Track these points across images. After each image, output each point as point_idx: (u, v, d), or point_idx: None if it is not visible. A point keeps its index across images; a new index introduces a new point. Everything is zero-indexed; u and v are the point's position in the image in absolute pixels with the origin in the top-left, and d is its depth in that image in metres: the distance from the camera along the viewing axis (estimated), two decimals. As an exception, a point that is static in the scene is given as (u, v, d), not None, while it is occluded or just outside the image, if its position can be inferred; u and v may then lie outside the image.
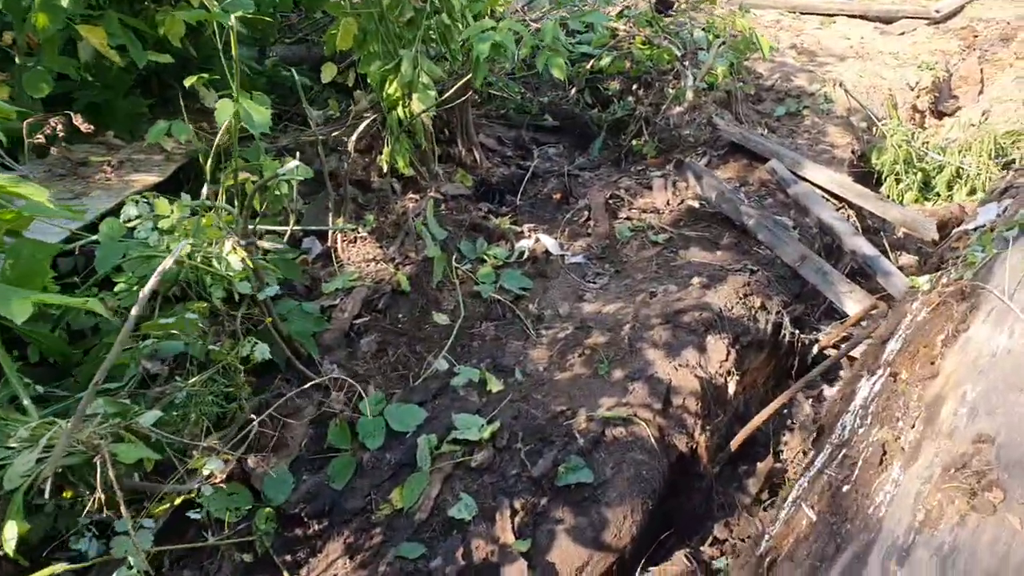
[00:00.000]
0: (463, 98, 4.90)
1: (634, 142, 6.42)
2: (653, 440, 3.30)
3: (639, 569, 3.14)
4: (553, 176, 5.89)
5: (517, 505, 2.95)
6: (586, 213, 5.14)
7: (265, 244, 2.94)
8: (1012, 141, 7.59)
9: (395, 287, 4.05)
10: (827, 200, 5.33)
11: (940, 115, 8.89)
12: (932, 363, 2.39)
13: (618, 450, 3.24)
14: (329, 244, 4.40)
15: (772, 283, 4.39)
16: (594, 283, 4.50)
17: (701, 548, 3.45)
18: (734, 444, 3.63)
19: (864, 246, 4.79)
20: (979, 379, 2.13)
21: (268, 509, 2.88)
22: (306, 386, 3.25)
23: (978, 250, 2.98)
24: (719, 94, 7.03)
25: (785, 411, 4.43)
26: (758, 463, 3.81)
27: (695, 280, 4.20)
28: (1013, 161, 7.39)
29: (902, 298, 3.29)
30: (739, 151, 6.02)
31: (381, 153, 4.74)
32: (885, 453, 2.04)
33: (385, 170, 4.60)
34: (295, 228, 4.07)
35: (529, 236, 4.87)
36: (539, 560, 2.82)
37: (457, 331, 3.99)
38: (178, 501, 2.64)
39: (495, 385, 3.61)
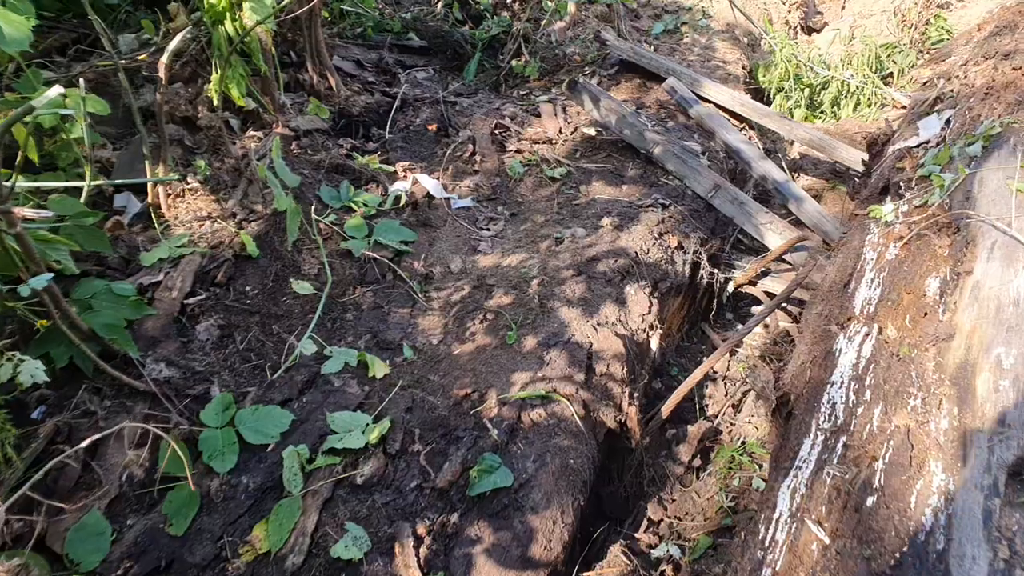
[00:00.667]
0: (308, 6, 3.99)
1: (514, 63, 5.72)
2: (578, 419, 2.75)
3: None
4: (426, 104, 5.11)
5: (421, 529, 2.32)
6: (470, 147, 4.42)
7: (28, 212, 2.06)
8: (888, 54, 7.53)
9: (239, 251, 3.22)
10: (730, 121, 4.90)
11: (809, 31, 8.78)
12: (925, 315, 1.94)
13: (539, 438, 2.67)
14: (150, 201, 3.46)
15: (686, 218, 3.90)
16: (488, 230, 3.85)
17: (636, 536, 3.00)
18: (665, 410, 3.16)
19: (774, 171, 4.41)
20: (1011, 338, 1.69)
21: (77, 577, 2.10)
22: (154, 402, 2.43)
23: (936, 169, 2.57)
24: (600, 8, 6.42)
25: (700, 358, 4.04)
26: (688, 425, 3.38)
27: (605, 221, 3.64)
28: (891, 74, 7.34)
29: (850, 231, 2.86)
30: (631, 69, 5.46)
31: (209, 82, 3.78)
32: (914, 448, 1.57)
33: (216, 103, 3.67)
34: (97, 183, 3.10)
35: (405, 177, 4.12)
36: (456, 597, 2.23)
37: (325, 302, 3.24)
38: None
39: (379, 368, 2.92)
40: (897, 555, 1.39)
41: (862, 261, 2.46)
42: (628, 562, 2.75)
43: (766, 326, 4.12)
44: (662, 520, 3.09)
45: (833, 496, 1.62)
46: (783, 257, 3.94)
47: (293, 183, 3.38)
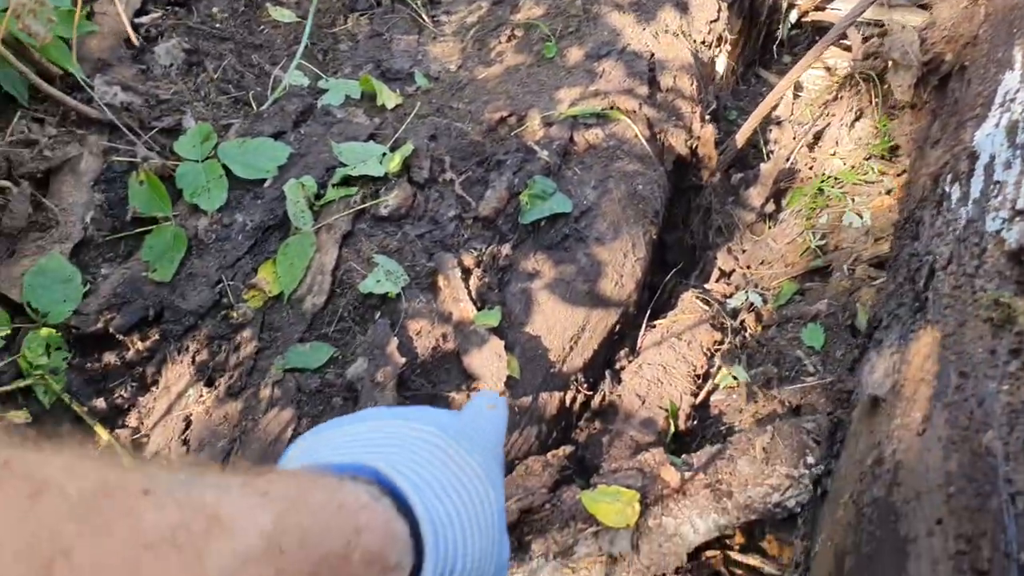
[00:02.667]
0: None
1: None
2: (643, 140, 2.33)
3: (644, 323, 2.32)
4: None
5: (468, 260, 1.96)
6: None
7: None
8: None
9: (198, -35, 2.64)
10: None
11: None
12: None
13: (598, 161, 2.26)
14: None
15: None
16: (503, -57, 3.23)
17: (706, 287, 2.67)
18: (740, 138, 2.74)
19: None
20: None
21: (46, 330, 1.75)
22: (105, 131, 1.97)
23: None
24: None
25: (760, 101, 3.58)
26: (761, 164, 2.96)
27: (654, -86, 3.02)
28: None
29: None
30: None
31: None
32: None
33: None
34: None
35: None
36: (517, 336, 1.90)
37: (311, 29, 2.70)
38: None
39: (389, 98, 2.45)
40: None
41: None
42: (706, 308, 2.43)
43: (829, 69, 3.62)
44: (734, 271, 2.76)
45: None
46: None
47: None
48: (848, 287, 2.29)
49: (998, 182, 1.28)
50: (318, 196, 2.09)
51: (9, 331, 1.73)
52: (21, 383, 1.69)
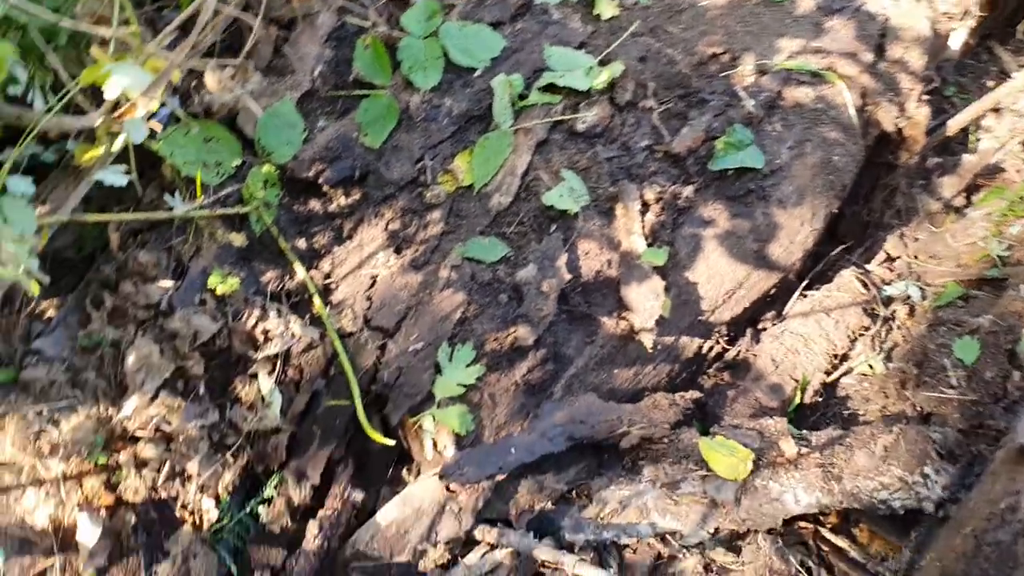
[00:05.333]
0: None
1: None
2: (852, 109, 2.24)
3: (798, 291, 2.32)
4: None
5: (649, 195, 2.01)
6: None
7: None
8: None
9: None
10: None
11: None
12: None
13: (801, 122, 2.20)
14: None
15: None
16: None
17: (867, 267, 2.61)
18: (953, 126, 2.58)
19: None
20: None
21: (268, 167, 1.95)
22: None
23: None
24: None
25: (984, 80, 3.30)
26: (964, 154, 2.79)
27: None
28: None
29: None
30: None
31: None
32: None
33: None
34: None
35: None
36: (676, 278, 1.97)
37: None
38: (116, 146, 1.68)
39: (607, 7, 2.43)
40: None
41: None
42: (864, 291, 2.40)
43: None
44: (900, 257, 2.67)
45: None
46: None
47: None
48: (1020, 310, 2.20)
49: None
50: (522, 96, 2.16)
51: (240, 162, 1.94)
52: (241, 209, 1.92)
